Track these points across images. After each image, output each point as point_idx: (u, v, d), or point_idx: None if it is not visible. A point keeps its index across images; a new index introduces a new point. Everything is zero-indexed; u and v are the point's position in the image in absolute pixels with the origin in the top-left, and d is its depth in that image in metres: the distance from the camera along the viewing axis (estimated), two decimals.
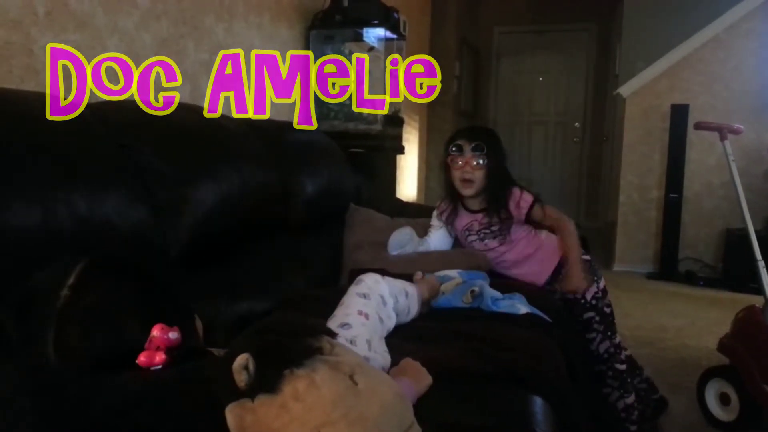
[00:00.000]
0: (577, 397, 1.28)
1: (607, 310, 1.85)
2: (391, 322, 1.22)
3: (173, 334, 0.75)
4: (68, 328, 0.74)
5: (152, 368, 0.73)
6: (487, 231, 1.85)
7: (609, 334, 1.84)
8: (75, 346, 0.74)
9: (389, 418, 0.66)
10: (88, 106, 1.44)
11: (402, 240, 1.90)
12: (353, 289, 1.19)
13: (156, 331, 0.74)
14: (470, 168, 1.79)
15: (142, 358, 0.73)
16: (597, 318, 1.83)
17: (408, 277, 1.62)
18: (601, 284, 1.86)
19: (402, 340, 1.23)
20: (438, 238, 1.94)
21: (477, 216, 1.86)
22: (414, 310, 1.37)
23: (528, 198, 1.83)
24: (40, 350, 0.73)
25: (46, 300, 0.75)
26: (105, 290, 0.78)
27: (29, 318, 0.76)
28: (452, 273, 1.66)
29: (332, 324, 1.08)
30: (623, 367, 1.83)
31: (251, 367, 0.62)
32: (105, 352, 0.74)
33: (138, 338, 0.75)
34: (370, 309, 1.14)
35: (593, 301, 1.83)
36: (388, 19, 2.98)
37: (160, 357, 0.74)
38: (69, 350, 0.73)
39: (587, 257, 1.87)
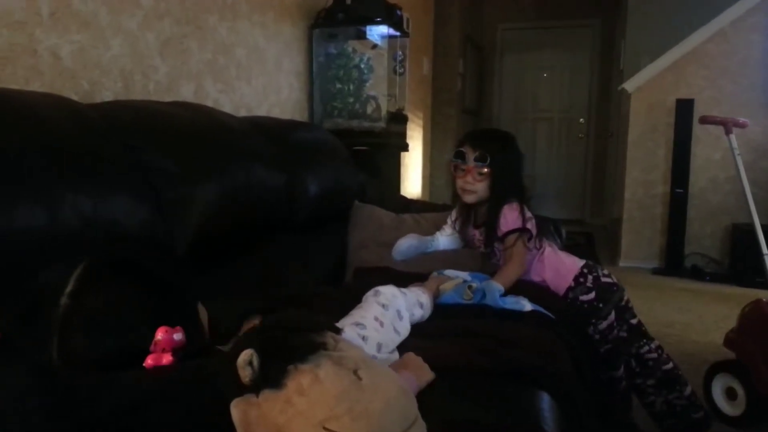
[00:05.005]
0: (584, 394, 1.28)
1: (623, 334, 1.77)
2: (405, 333, 1.22)
3: (177, 335, 0.76)
4: (70, 336, 0.74)
5: None
6: (486, 251, 1.77)
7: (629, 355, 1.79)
8: (79, 353, 0.74)
9: (393, 413, 0.66)
10: (94, 106, 1.45)
11: (406, 252, 1.86)
12: (372, 298, 1.20)
13: (160, 334, 0.74)
14: (471, 179, 1.69)
15: (149, 361, 0.73)
16: (612, 351, 1.76)
17: (414, 276, 1.62)
18: (603, 325, 1.73)
19: (409, 336, 1.23)
20: (447, 239, 1.91)
21: (476, 232, 1.79)
22: (427, 316, 1.38)
23: (512, 222, 1.67)
24: (46, 359, 0.73)
25: (46, 309, 0.75)
26: (104, 295, 0.77)
27: (32, 327, 0.76)
28: (459, 273, 1.65)
29: (346, 322, 1.09)
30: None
31: (255, 362, 0.62)
32: (110, 356, 0.74)
33: (143, 341, 0.75)
34: (386, 319, 1.15)
35: (596, 336, 1.74)
36: (391, 17, 2.98)
37: (167, 358, 0.74)
38: (74, 358, 0.73)
39: (608, 281, 1.74)
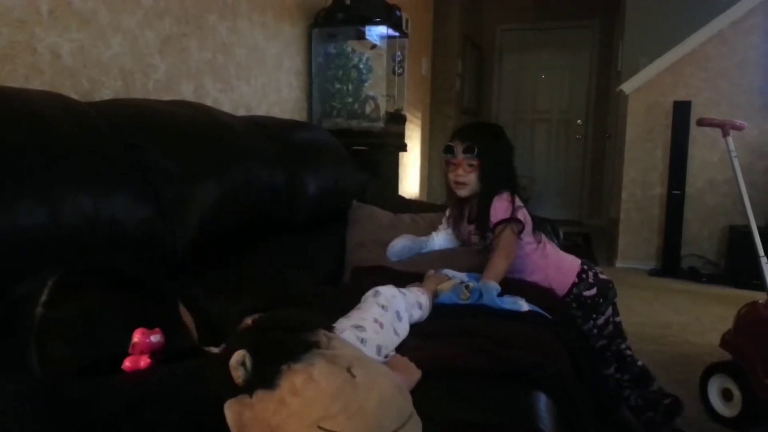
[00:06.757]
0: (582, 395, 1.29)
1: (605, 341, 1.84)
2: (404, 334, 1.23)
3: (155, 337, 0.75)
4: (48, 345, 0.73)
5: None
6: (481, 245, 1.78)
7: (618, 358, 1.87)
8: (59, 360, 0.73)
9: (388, 410, 0.66)
10: (94, 104, 1.45)
11: (400, 252, 1.87)
12: (371, 299, 1.20)
13: (137, 336, 0.74)
14: (462, 171, 1.71)
15: (127, 363, 0.73)
16: (606, 347, 1.84)
17: (411, 276, 1.62)
18: (600, 321, 1.81)
19: (408, 337, 1.23)
20: (443, 238, 1.92)
21: (470, 228, 1.80)
22: (425, 317, 1.38)
23: (502, 212, 1.68)
24: (27, 369, 0.73)
25: (22, 320, 0.75)
26: (80, 301, 0.77)
27: (9, 339, 0.75)
28: (457, 274, 1.65)
29: (346, 324, 1.09)
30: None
31: (248, 363, 0.62)
32: (90, 361, 0.74)
33: (120, 344, 0.74)
34: (385, 320, 1.15)
35: (594, 330, 1.81)
36: (390, 17, 2.98)
37: (144, 361, 0.73)
38: (54, 365, 0.73)
39: (605, 278, 1.82)
